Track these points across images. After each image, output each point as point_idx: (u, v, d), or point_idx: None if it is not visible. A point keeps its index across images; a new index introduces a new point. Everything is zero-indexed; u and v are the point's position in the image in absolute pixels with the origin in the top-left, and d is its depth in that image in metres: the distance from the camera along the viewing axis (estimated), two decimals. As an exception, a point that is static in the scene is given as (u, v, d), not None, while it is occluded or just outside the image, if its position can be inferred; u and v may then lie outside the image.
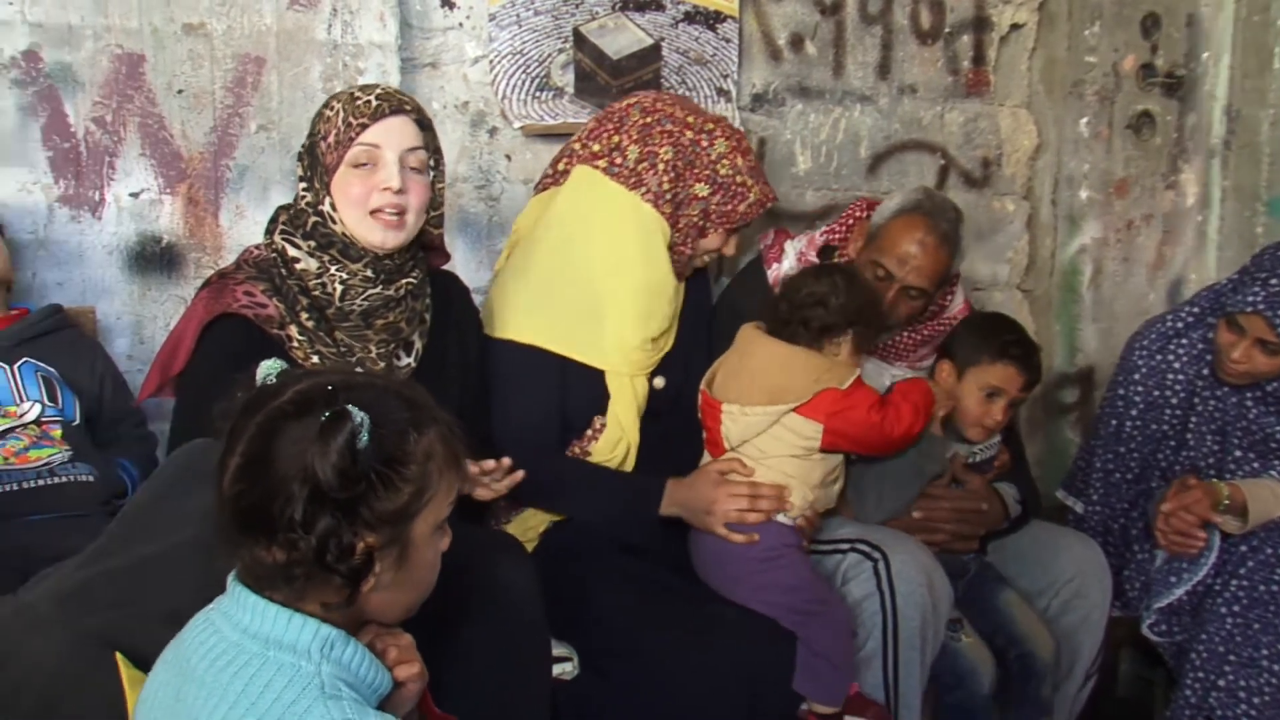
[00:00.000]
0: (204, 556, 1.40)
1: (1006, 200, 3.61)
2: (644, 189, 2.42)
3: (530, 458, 2.33)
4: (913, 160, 3.46)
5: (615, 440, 2.44)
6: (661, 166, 2.42)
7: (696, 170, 2.43)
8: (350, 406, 1.28)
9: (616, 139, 2.46)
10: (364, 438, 1.27)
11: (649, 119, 2.46)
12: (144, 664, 1.50)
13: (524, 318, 2.42)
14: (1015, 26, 3.50)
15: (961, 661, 2.46)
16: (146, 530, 1.66)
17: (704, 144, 2.44)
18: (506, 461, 2.17)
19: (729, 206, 2.46)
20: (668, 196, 2.43)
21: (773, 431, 2.34)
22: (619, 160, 2.44)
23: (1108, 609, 2.63)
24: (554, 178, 2.54)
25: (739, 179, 2.45)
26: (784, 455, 2.34)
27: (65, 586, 1.63)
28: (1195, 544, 2.55)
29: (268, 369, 1.37)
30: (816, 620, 2.25)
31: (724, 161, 2.44)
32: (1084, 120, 3.54)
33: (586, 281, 2.43)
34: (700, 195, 2.44)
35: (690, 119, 2.46)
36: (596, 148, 2.47)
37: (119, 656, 1.52)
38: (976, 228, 3.57)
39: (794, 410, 2.32)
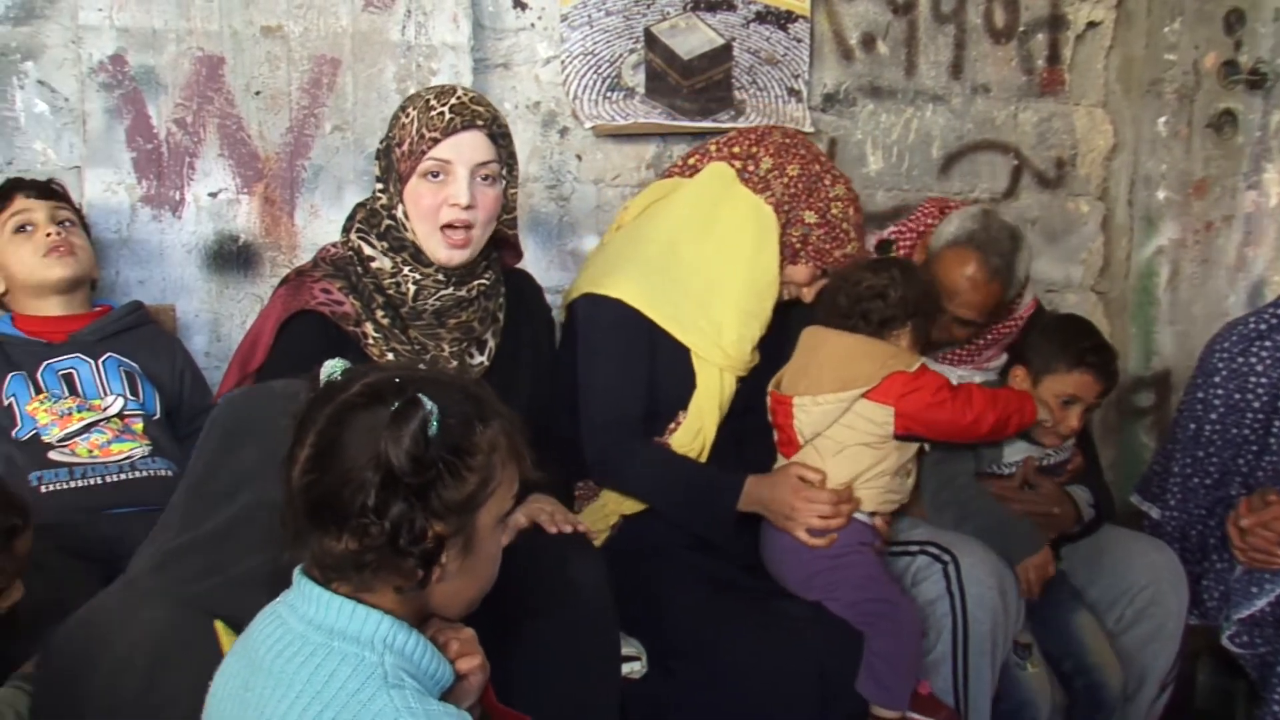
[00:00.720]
0: (272, 511, 1.42)
1: (1081, 201, 3.57)
2: (769, 194, 2.46)
3: (613, 432, 2.37)
4: (985, 161, 3.42)
5: (694, 431, 2.44)
6: (786, 180, 2.47)
7: (812, 198, 2.46)
8: (421, 395, 1.30)
9: (754, 150, 2.50)
10: (434, 426, 1.29)
11: (787, 140, 2.52)
12: (239, 628, 1.53)
13: (625, 281, 2.44)
14: (1092, 24, 3.46)
15: (1021, 690, 2.42)
16: (215, 495, 1.67)
17: (827, 181, 2.48)
18: (583, 524, 2.19)
19: (826, 245, 2.48)
20: (784, 208, 2.46)
21: (845, 420, 2.33)
22: (751, 168, 2.49)
23: (1184, 617, 2.57)
24: (681, 169, 2.58)
25: (845, 226, 2.48)
26: (858, 444, 2.33)
27: (158, 560, 1.66)
28: (1276, 563, 2.49)
29: (331, 368, 1.38)
30: (884, 621, 2.23)
31: (838, 203, 2.47)
32: (1162, 119, 3.47)
33: (697, 269, 2.45)
34: (807, 221, 2.47)
35: (822, 159, 2.53)
36: (735, 150, 2.52)
37: (218, 624, 1.55)
38: (1049, 229, 3.54)
39: (865, 396, 2.31)
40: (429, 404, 1.29)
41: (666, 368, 2.44)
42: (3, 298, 2.40)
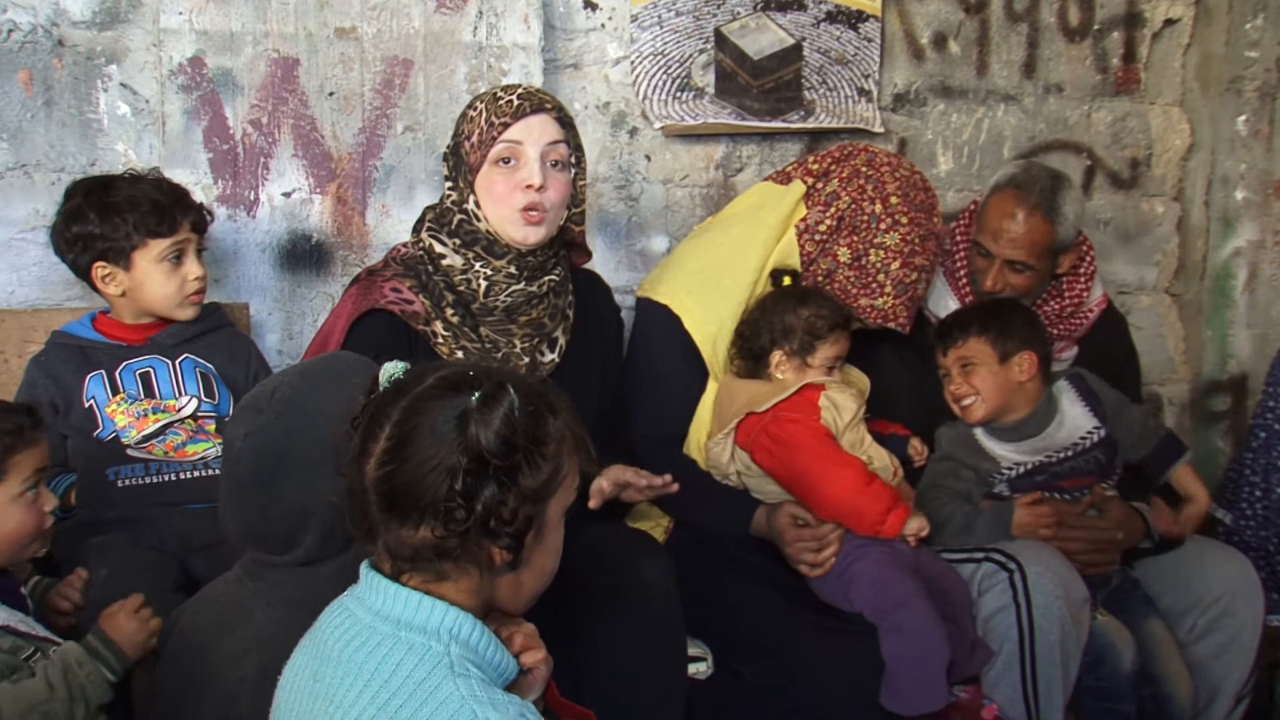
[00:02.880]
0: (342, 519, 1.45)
1: (1155, 202, 3.51)
2: (805, 220, 2.45)
3: (654, 445, 2.40)
4: (1057, 161, 3.36)
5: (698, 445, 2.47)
6: (833, 209, 2.44)
7: (854, 236, 2.42)
8: (505, 383, 1.33)
9: (831, 168, 2.50)
10: (517, 411, 1.32)
11: (865, 170, 2.46)
12: None
13: (680, 290, 2.46)
14: (1169, 22, 3.41)
15: (1098, 638, 2.38)
16: (277, 537, 1.66)
17: (882, 225, 2.41)
18: (668, 477, 2.20)
19: (852, 289, 2.43)
20: (818, 237, 2.44)
21: (737, 458, 2.38)
22: (820, 186, 2.48)
23: (1259, 628, 2.52)
24: (777, 176, 2.58)
25: (880, 277, 2.42)
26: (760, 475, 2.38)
27: (255, 569, 1.68)
28: None
29: (391, 369, 1.40)
30: (887, 624, 2.20)
31: (879, 252, 2.41)
32: (1242, 118, 3.40)
33: (748, 285, 2.45)
34: (839, 259, 2.44)
35: (893, 199, 2.42)
36: (816, 168, 2.52)
37: None
38: (1123, 230, 3.49)
39: (736, 441, 2.36)
40: (512, 391, 1.32)
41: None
42: (119, 296, 2.37)
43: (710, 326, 2.44)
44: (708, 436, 2.43)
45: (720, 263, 2.48)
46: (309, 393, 1.64)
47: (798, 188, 2.50)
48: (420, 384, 1.35)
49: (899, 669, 2.16)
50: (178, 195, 2.37)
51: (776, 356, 2.38)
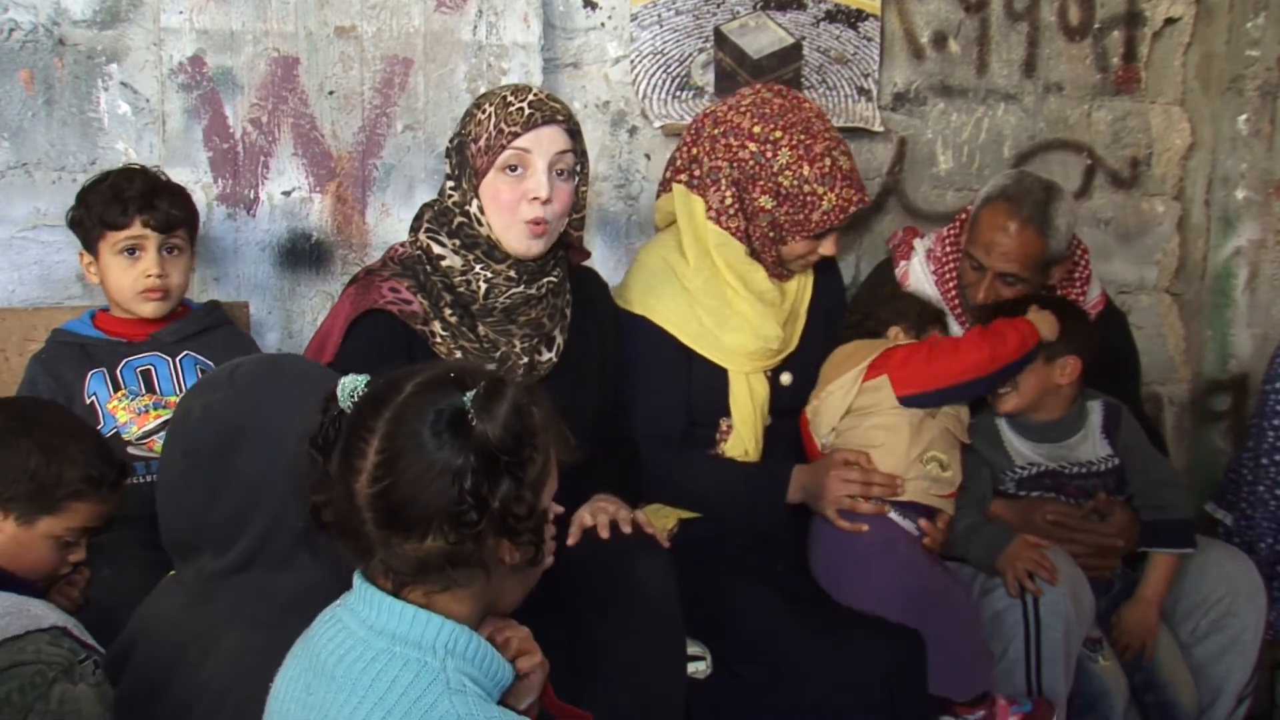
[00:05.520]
0: (296, 516, 1.43)
1: (1156, 201, 3.51)
2: (717, 189, 2.43)
3: (660, 444, 2.39)
4: (1058, 160, 3.38)
5: (740, 438, 2.45)
6: (724, 182, 2.42)
7: (760, 184, 2.39)
8: (501, 378, 1.32)
9: (694, 151, 2.48)
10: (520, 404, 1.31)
11: (717, 130, 2.45)
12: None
13: (653, 300, 2.47)
14: (1170, 21, 3.41)
15: (1095, 683, 2.39)
16: (229, 516, 1.59)
17: (768, 155, 2.38)
18: (650, 528, 2.18)
19: (800, 216, 2.39)
20: (731, 211, 2.43)
21: (855, 405, 2.40)
22: (697, 172, 2.47)
23: (1262, 629, 2.52)
24: (662, 186, 2.57)
25: (805, 189, 2.37)
26: (869, 426, 2.38)
27: (208, 586, 1.61)
28: None
29: (350, 385, 1.36)
30: (934, 610, 2.21)
31: (787, 173, 2.37)
32: (1243, 117, 3.40)
33: (698, 288, 2.46)
34: (765, 208, 2.40)
35: (756, 129, 2.40)
36: (679, 163, 2.51)
37: None
38: (1123, 229, 3.48)
39: (864, 380, 2.38)
40: (510, 385, 1.31)
41: (701, 376, 2.46)
42: (99, 284, 2.40)
43: (679, 320, 2.45)
44: (814, 393, 2.50)
45: (669, 265, 2.49)
46: (271, 377, 1.61)
47: (680, 190, 2.48)
48: (400, 393, 1.31)
49: (951, 650, 2.19)
50: (146, 189, 2.34)
51: (895, 330, 2.54)
